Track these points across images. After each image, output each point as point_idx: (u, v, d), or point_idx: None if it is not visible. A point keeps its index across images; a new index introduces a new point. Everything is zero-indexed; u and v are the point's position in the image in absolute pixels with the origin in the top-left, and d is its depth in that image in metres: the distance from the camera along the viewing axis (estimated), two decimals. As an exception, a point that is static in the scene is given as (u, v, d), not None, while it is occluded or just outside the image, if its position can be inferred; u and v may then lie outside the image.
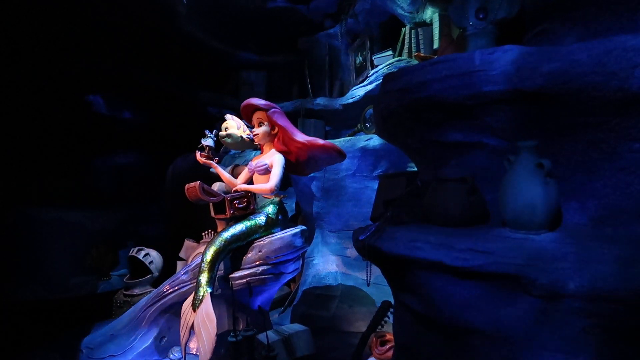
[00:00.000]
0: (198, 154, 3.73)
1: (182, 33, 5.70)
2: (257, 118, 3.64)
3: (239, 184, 3.61)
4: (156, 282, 4.34)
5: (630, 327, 1.52)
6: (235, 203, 3.40)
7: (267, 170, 3.50)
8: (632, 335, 1.53)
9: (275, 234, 3.43)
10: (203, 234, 4.10)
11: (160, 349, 3.47)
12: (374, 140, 4.65)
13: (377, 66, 4.99)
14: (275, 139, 3.63)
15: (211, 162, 3.70)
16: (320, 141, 3.60)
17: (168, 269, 4.37)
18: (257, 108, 3.61)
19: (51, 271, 5.82)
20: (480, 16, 2.37)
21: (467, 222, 2.05)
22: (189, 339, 3.09)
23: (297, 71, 6.48)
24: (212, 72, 6.85)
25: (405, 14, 4.68)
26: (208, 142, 3.79)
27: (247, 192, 3.45)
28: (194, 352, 3.42)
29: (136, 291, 4.44)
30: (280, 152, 3.59)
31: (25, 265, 5.71)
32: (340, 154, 3.65)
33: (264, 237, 3.41)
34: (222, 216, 3.45)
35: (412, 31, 4.66)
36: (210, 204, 3.54)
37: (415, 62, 4.35)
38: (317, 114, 5.83)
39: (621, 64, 1.70)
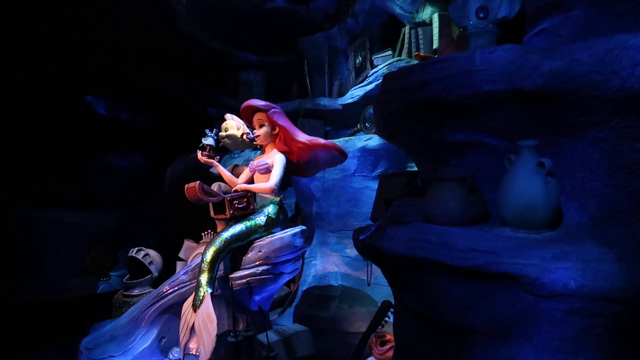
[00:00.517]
0: (199, 153, 3.72)
1: (181, 33, 5.70)
2: (257, 119, 3.64)
3: (240, 183, 3.61)
4: (156, 283, 4.34)
5: (631, 327, 1.51)
6: (235, 203, 3.40)
7: (267, 170, 3.49)
8: (633, 336, 1.52)
9: (275, 234, 3.43)
10: (203, 234, 4.09)
11: (160, 349, 3.47)
12: (374, 140, 4.65)
13: (376, 66, 4.98)
14: (277, 140, 3.62)
15: (212, 161, 3.70)
16: (322, 141, 3.59)
17: (168, 270, 4.37)
18: (257, 109, 3.60)
19: (50, 272, 5.81)
20: (481, 15, 2.37)
21: (467, 221, 2.04)
22: (189, 339, 3.08)
23: (297, 71, 6.47)
24: (211, 72, 6.84)
25: (405, 13, 4.68)
26: (209, 141, 3.78)
27: (247, 192, 3.45)
28: (194, 353, 3.41)
29: (136, 292, 4.44)
30: (282, 152, 3.58)
31: (25, 265, 5.70)
32: (342, 154, 3.64)
33: (264, 237, 3.40)
34: (222, 216, 3.45)
35: (412, 31, 4.65)
36: (210, 204, 3.54)
37: (415, 62, 4.34)
38: (317, 114, 5.82)
39: (622, 63, 1.70)
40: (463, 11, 2.45)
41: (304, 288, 4.78)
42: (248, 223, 3.35)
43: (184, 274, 3.49)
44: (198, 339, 2.97)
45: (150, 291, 4.26)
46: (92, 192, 7.00)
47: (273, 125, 3.57)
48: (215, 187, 3.74)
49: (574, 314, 1.58)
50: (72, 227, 6.09)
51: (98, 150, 7.14)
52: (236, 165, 5.25)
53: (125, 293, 4.47)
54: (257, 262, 3.33)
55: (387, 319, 2.95)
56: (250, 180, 3.68)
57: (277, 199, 3.57)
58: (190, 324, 3.04)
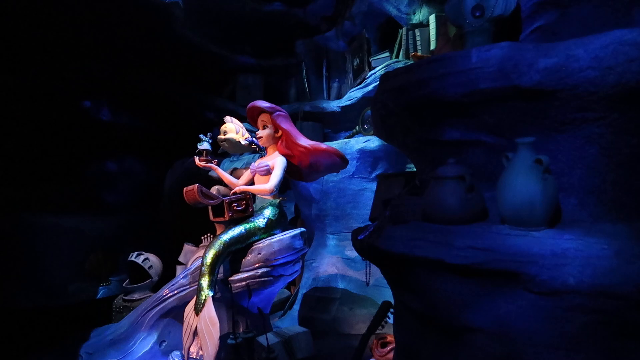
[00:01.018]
0: (197, 159, 3.72)
1: (179, 37, 5.70)
2: (261, 120, 3.65)
3: (241, 184, 3.61)
4: (155, 287, 4.33)
5: (631, 323, 1.51)
6: (234, 206, 3.40)
7: (268, 172, 3.50)
8: (634, 332, 1.52)
9: (274, 236, 3.42)
10: (202, 237, 4.08)
11: (160, 353, 3.46)
12: (372, 142, 4.66)
13: (374, 68, 5.00)
14: (279, 142, 3.63)
15: (211, 164, 3.70)
16: (324, 146, 3.61)
17: (167, 274, 4.36)
18: (262, 110, 3.62)
19: (50, 277, 5.80)
20: (477, 14, 2.37)
21: (465, 219, 2.04)
22: (192, 342, 3.08)
23: (295, 74, 6.49)
24: (209, 76, 6.83)
25: (402, 15, 4.70)
26: (204, 145, 3.78)
27: (246, 194, 3.45)
28: (194, 356, 3.40)
29: (135, 296, 4.42)
30: (284, 155, 3.59)
31: (24, 271, 5.68)
32: (343, 160, 3.65)
33: (263, 240, 3.40)
34: (221, 219, 3.44)
35: (409, 32, 4.67)
36: (209, 207, 3.53)
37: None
38: (315, 117, 5.84)
39: (618, 59, 1.70)
40: (459, 10, 2.46)
41: (304, 291, 4.78)
42: (247, 225, 3.35)
43: (184, 277, 3.49)
44: (201, 343, 2.97)
45: (150, 295, 4.25)
46: (92, 197, 7.00)
47: (276, 127, 3.58)
48: (214, 190, 3.74)
49: (573, 310, 1.58)
50: (72, 232, 6.09)
51: (97, 155, 7.14)
52: (235, 169, 5.25)
53: (125, 297, 4.45)
54: (257, 265, 3.33)
55: (387, 319, 2.94)
56: (251, 182, 3.69)
57: (277, 201, 3.57)
58: (193, 327, 3.04)
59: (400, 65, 4.57)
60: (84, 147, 6.86)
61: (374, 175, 4.76)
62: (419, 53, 4.19)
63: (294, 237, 3.45)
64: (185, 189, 3.40)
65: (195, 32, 5.79)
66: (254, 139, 3.75)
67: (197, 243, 4.15)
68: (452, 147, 2.31)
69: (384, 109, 2.53)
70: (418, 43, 4.55)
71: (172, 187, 6.83)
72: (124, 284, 4.57)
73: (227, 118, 3.96)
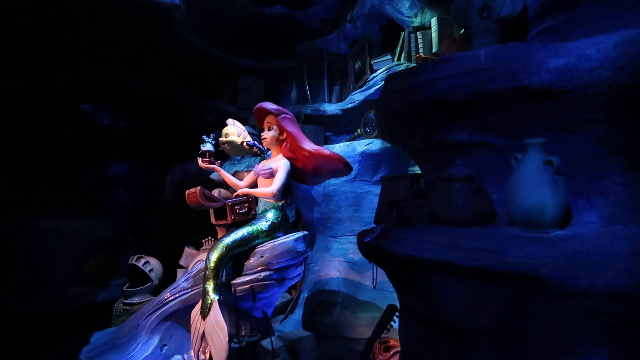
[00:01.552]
0: (200, 160, 3.71)
1: (179, 40, 5.69)
2: (267, 122, 3.64)
3: (243, 186, 3.59)
4: (156, 290, 4.30)
5: (643, 326, 1.49)
6: (237, 208, 3.37)
7: (271, 174, 3.48)
8: (646, 335, 1.50)
9: (277, 239, 3.40)
10: (203, 241, 4.07)
11: (161, 357, 3.42)
12: (374, 145, 4.64)
13: (376, 71, 4.98)
14: (283, 145, 3.62)
15: (214, 166, 3.69)
16: (328, 151, 3.59)
17: (168, 277, 4.33)
18: (268, 112, 3.60)
19: (50, 280, 5.79)
20: (484, 15, 2.35)
21: (473, 221, 2.02)
22: (200, 346, 3.05)
23: (296, 77, 6.48)
24: (209, 78, 6.83)
25: (404, 18, 4.68)
26: (207, 147, 3.78)
27: (248, 197, 3.42)
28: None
29: (136, 300, 4.39)
30: (288, 158, 3.57)
31: (24, 274, 5.67)
32: (347, 167, 3.64)
33: (266, 243, 3.38)
34: (223, 222, 3.42)
35: (411, 35, 4.65)
36: (211, 211, 3.52)
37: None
38: (316, 120, 5.81)
39: (630, 58, 1.68)
40: (466, 11, 2.44)
41: (306, 294, 4.75)
42: (250, 228, 3.33)
43: (185, 281, 3.46)
44: (210, 347, 2.95)
45: (150, 299, 4.22)
46: (92, 200, 7.00)
47: (281, 130, 3.57)
48: (215, 192, 3.72)
49: (585, 313, 1.55)
50: (72, 236, 6.09)
51: (97, 158, 7.13)
52: (237, 172, 5.24)
53: (126, 301, 4.42)
54: (260, 268, 3.30)
55: (392, 323, 2.91)
56: (254, 184, 3.67)
57: (279, 204, 3.54)
58: (201, 331, 3.02)
59: (402, 68, 4.55)
60: (85, 151, 6.86)
61: (376, 178, 4.73)
62: (423, 55, 4.17)
63: (296, 240, 3.43)
64: (187, 191, 3.38)
65: (196, 35, 5.79)
66: (255, 142, 3.74)
67: (197, 246, 4.13)
68: (458, 148, 2.30)
69: (389, 110, 2.51)
70: (420, 46, 4.52)
71: (172, 190, 6.81)
72: (124, 288, 4.54)
73: (229, 120, 3.94)
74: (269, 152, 3.82)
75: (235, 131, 3.86)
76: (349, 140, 5.28)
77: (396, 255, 2.07)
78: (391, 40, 5.12)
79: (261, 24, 6.08)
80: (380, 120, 2.74)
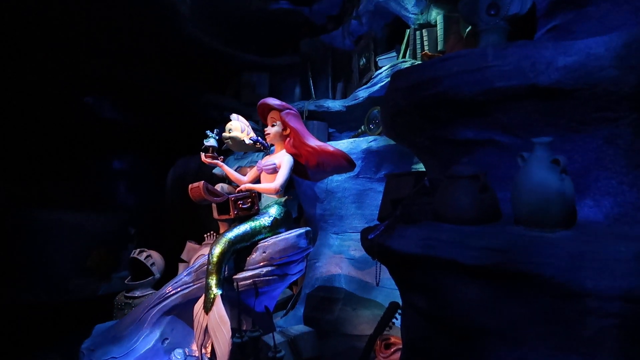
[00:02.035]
0: (202, 155, 3.71)
1: (184, 34, 5.68)
2: (271, 118, 3.62)
3: (247, 181, 3.59)
4: (158, 284, 4.30)
5: (649, 327, 1.48)
6: (240, 203, 3.37)
7: (274, 170, 3.47)
8: (651, 336, 1.49)
9: (279, 235, 3.40)
10: (205, 235, 4.06)
11: (162, 350, 3.43)
12: (378, 142, 4.64)
13: (380, 68, 4.97)
14: (286, 141, 3.60)
15: (217, 161, 3.68)
16: (331, 148, 3.57)
17: (170, 271, 4.34)
18: (272, 108, 3.59)
19: (52, 273, 5.80)
20: (492, 12, 2.34)
21: (479, 220, 2.01)
22: (204, 340, 3.06)
23: (300, 73, 6.46)
24: (214, 73, 6.82)
25: (410, 15, 4.66)
26: (211, 142, 3.77)
27: (251, 192, 3.42)
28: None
29: (137, 293, 4.39)
30: (291, 154, 3.56)
31: (26, 267, 5.68)
32: (349, 163, 3.61)
33: (269, 238, 3.38)
34: (226, 217, 3.42)
35: (417, 32, 4.63)
36: (214, 205, 3.51)
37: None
38: (320, 116, 5.80)
39: (640, 58, 1.67)
40: (474, 8, 2.43)
41: (307, 291, 4.74)
42: (252, 224, 3.32)
43: (187, 275, 3.46)
44: (213, 341, 2.97)
45: (151, 293, 4.22)
46: (94, 193, 6.99)
47: (285, 125, 3.55)
48: (218, 187, 3.72)
49: (590, 314, 1.54)
50: (74, 229, 6.10)
51: (100, 152, 7.13)
52: (239, 167, 5.23)
53: (127, 295, 4.42)
54: (262, 263, 3.30)
55: (394, 320, 2.91)
56: (257, 179, 3.67)
57: (282, 199, 3.54)
58: (204, 325, 3.04)
59: (407, 65, 4.53)
60: (88, 144, 6.86)
61: (379, 175, 4.73)
62: (429, 53, 4.16)
63: (299, 236, 3.42)
64: (190, 186, 3.38)
65: (200, 30, 5.77)
66: (258, 137, 3.72)
67: (199, 241, 4.13)
68: (464, 146, 2.29)
69: (394, 107, 2.50)
70: (425, 43, 4.51)
71: (174, 184, 6.82)
72: (125, 281, 4.55)
73: (233, 116, 3.93)
74: (272, 148, 3.81)
75: (239, 127, 3.85)
76: (353, 137, 5.28)
77: (400, 252, 2.06)
78: (396, 37, 5.11)
79: (266, 19, 6.07)
80: (385, 117, 2.72)
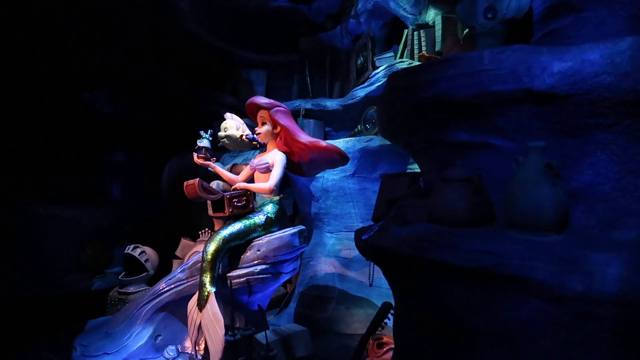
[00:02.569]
0: (195, 155, 3.69)
1: (182, 30, 5.66)
2: (260, 117, 3.61)
3: (240, 180, 3.58)
4: (152, 281, 4.31)
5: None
6: (235, 201, 3.37)
7: (267, 169, 3.47)
8: (641, 340, 1.50)
9: (274, 234, 3.41)
10: (200, 232, 4.06)
11: (155, 347, 3.43)
12: (374, 142, 4.64)
13: (378, 67, 4.97)
14: (278, 139, 3.60)
15: (209, 162, 3.67)
16: (323, 143, 3.57)
17: (164, 267, 4.34)
18: (260, 107, 3.57)
19: (46, 267, 5.77)
20: (489, 15, 2.35)
21: (472, 222, 2.01)
22: (197, 337, 3.07)
23: (298, 71, 6.45)
24: (211, 70, 6.80)
25: (408, 15, 4.66)
26: (204, 143, 3.75)
27: (246, 190, 3.42)
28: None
29: (131, 289, 4.40)
30: (283, 152, 3.55)
31: (20, 261, 5.66)
32: (342, 157, 3.61)
33: (263, 236, 3.38)
34: (221, 214, 3.43)
35: (415, 33, 4.63)
36: (209, 202, 3.51)
37: (417, 63, 4.32)
38: (317, 115, 5.79)
39: (634, 65, 1.68)
40: (471, 11, 2.43)
41: (301, 289, 4.75)
42: (247, 222, 3.33)
43: (181, 272, 3.46)
44: (206, 339, 2.97)
45: (145, 289, 4.23)
46: (89, 188, 6.97)
47: (274, 124, 3.54)
48: (213, 185, 3.72)
49: (581, 318, 1.55)
50: (69, 223, 6.07)
51: (95, 146, 7.10)
52: (235, 164, 5.23)
53: (121, 290, 4.43)
54: (256, 261, 3.31)
55: (386, 320, 2.92)
56: (250, 179, 3.66)
57: (277, 198, 3.54)
58: (197, 323, 3.05)
59: (404, 65, 4.53)
60: (84, 139, 6.82)
61: (374, 175, 4.73)
62: (426, 54, 4.16)
63: (293, 234, 3.43)
64: (185, 183, 3.37)
65: (199, 26, 5.75)
66: (254, 135, 3.72)
67: (194, 238, 4.13)
68: (459, 148, 2.30)
69: (391, 108, 2.51)
70: (423, 44, 4.51)
71: (170, 181, 6.81)
72: (119, 277, 4.55)
73: (228, 115, 3.93)
74: None
75: (233, 125, 3.85)
76: (349, 137, 5.28)
77: (394, 253, 2.07)
78: (394, 37, 5.11)
79: (265, 17, 6.04)
80: (381, 118, 2.73)
